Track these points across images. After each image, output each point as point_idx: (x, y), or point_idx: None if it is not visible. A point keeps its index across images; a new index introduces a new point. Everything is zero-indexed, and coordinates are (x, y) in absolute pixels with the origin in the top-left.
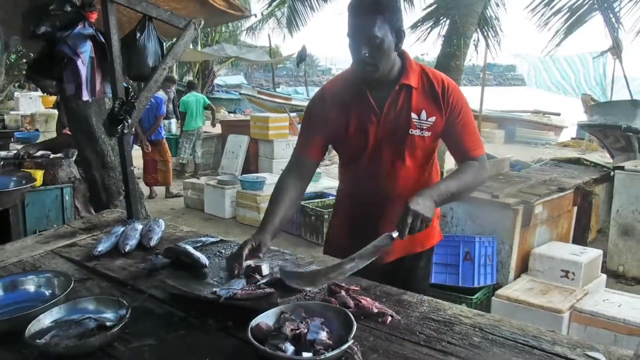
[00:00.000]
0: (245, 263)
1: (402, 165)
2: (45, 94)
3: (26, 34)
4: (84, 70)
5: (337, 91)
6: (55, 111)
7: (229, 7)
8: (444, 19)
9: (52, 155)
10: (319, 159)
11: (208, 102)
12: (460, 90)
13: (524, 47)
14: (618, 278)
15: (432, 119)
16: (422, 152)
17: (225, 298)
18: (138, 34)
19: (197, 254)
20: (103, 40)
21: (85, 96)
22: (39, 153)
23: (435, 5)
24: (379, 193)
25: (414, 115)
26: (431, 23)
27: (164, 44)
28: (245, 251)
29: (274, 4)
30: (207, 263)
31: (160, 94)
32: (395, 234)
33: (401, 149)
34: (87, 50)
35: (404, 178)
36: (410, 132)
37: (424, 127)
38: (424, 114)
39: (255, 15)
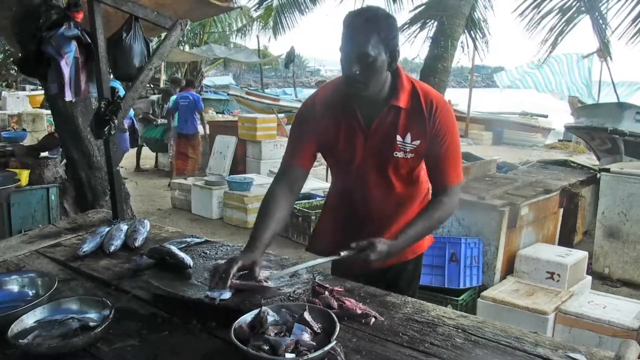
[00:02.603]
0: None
1: (387, 183)
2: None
3: (17, 41)
4: (67, 70)
5: (328, 101)
6: (43, 111)
7: None
8: (432, 21)
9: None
10: (309, 167)
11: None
12: (452, 113)
13: (513, 52)
14: (603, 280)
15: (417, 142)
16: (406, 171)
17: (219, 300)
18: (124, 34)
19: (182, 254)
20: (89, 41)
21: (68, 96)
22: None
23: (422, 7)
24: (366, 203)
25: (399, 138)
26: (419, 25)
27: (150, 43)
28: (234, 270)
29: (264, 4)
30: (192, 264)
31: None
32: (342, 255)
33: (385, 168)
34: (71, 50)
35: (389, 195)
36: (394, 154)
37: (408, 150)
38: (408, 137)
39: (241, 8)
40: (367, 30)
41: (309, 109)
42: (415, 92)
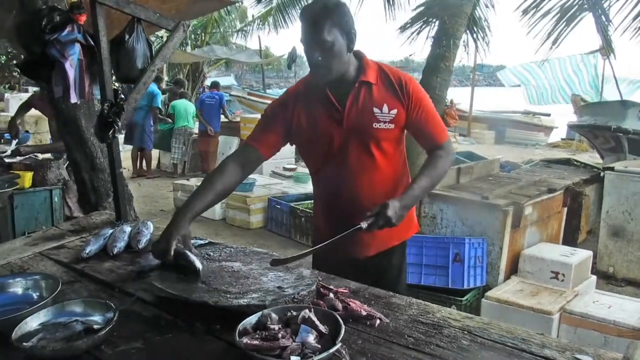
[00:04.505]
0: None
1: (370, 160)
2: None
3: (20, 44)
4: (71, 73)
5: (300, 93)
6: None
7: None
8: (433, 20)
9: (40, 156)
10: (267, 155)
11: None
12: (418, 83)
13: (515, 50)
14: (608, 279)
15: (394, 111)
16: (388, 144)
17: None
18: (127, 36)
19: (193, 257)
20: (92, 43)
21: (73, 98)
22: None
23: (424, 7)
24: (351, 191)
25: (376, 110)
26: (420, 24)
27: (153, 45)
28: (173, 246)
29: (265, 7)
30: (201, 268)
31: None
32: (364, 226)
33: (367, 143)
34: (75, 53)
35: (373, 171)
36: (374, 125)
37: (387, 120)
38: (385, 108)
39: (242, 2)
40: (320, 19)
41: (279, 103)
42: (382, 70)
